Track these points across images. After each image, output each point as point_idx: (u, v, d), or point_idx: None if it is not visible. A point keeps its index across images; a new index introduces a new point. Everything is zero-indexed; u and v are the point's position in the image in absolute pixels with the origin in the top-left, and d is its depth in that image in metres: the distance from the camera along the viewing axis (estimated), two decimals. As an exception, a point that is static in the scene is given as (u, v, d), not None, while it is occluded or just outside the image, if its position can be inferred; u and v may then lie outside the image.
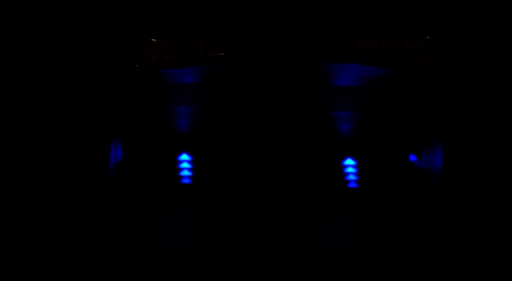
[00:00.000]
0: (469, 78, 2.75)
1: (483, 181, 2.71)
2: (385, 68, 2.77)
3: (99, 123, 2.72)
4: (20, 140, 2.69)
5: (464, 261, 2.62)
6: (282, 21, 2.74)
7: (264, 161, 3.03)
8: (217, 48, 2.74)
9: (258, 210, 2.92)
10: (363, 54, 2.74)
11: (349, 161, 3.02)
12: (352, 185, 3.00)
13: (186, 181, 3.01)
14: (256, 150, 3.04)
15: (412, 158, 3.03)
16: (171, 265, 2.59)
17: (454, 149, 2.74)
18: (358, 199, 2.98)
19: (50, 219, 2.66)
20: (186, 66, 2.77)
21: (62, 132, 2.70)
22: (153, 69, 2.76)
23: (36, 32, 2.71)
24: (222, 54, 2.74)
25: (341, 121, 3.07)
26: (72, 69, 2.72)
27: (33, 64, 2.71)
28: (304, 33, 2.74)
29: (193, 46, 2.74)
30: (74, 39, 2.72)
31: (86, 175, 2.70)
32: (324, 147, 3.05)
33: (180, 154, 3.02)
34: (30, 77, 2.71)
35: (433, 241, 2.72)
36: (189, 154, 3.03)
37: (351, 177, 3.01)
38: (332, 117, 3.06)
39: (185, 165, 3.02)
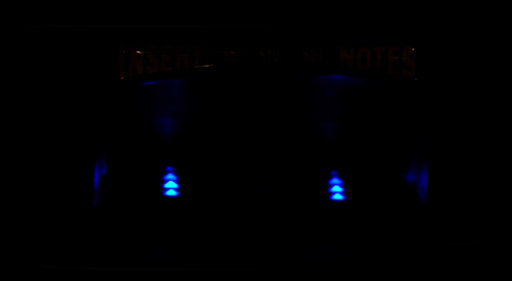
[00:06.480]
0: (454, 90, 2.76)
1: (469, 194, 2.72)
2: (369, 80, 2.78)
3: (84, 136, 2.72)
4: (3, 151, 2.69)
5: (449, 270, 2.62)
6: (265, 34, 2.74)
7: (249, 173, 3.03)
8: (202, 60, 2.74)
9: (242, 222, 2.93)
10: (347, 66, 2.74)
11: (333, 173, 3.03)
12: (337, 197, 3.01)
13: (171, 193, 3.01)
14: (241, 162, 3.04)
15: (398, 171, 3.03)
16: (155, 277, 2.60)
17: (439, 161, 2.74)
18: (343, 211, 2.98)
19: (35, 231, 2.66)
20: (171, 78, 2.77)
21: (46, 145, 2.71)
22: (138, 82, 2.76)
23: (19, 45, 2.71)
24: (207, 66, 2.75)
25: (326, 133, 3.07)
26: (56, 82, 2.72)
27: (17, 76, 2.72)
28: (288, 45, 2.74)
29: (178, 58, 2.74)
30: (57, 51, 2.72)
31: (71, 187, 2.70)
32: (308, 159, 3.05)
33: (166, 166, 3.03)
34: (14, 89, 2.72)
35: (419, 254, 2.72)
36: (173, 166, 3.03)
37: (336, 189, 3.01)
38: (317, 129, 3.06)
39: (170, 177, 3.03)
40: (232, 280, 2.60)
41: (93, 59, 2.73)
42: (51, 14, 2.73)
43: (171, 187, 3.02)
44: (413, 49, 2.76)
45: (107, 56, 2.73)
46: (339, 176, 3.03)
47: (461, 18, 2.76)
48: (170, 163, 3.03)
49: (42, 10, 2.73)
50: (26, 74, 2.72)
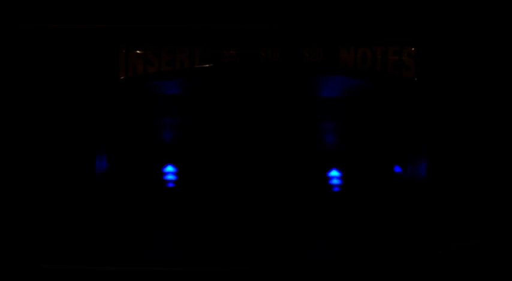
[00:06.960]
0: (453, 90, 2.76)
1: (468, 192, 2.72)
2: (369, 80, 2.78)
3: (85, 135, 2.73)
4: (3, 151, 2.69)
5: (449, 270, 2.63)
6: (265, 33, 2.74)
7: (249, 171, 3.04)
8: (202, 60, 2.75)
9: (242, 221, 2.93)
10: (347, 66, 2.74)
11: (334, 173, 3.03)
12: (337, 197, 3.01)
13: (171, 191, 3.02)
14: (241, 160, 3.05)
15: (397, 169, 3.03)
16: (155, 277, 2.60)
17: (439, 161, 2.74)
18: (343, 209, 2.99)
19: (35, 230, 2.66)
20: (171, 78, 2.78)
21: (47, 144, 2.71)
22: (138, 81, 2.77)
23: (19, 45, 2.71)
24: (207, 66, 2.75)
25: (326, 132, 3.07)
26: (56, 82, 2.73)
27: (17, 76, 2.72)
28: (288, 45, 2.74)
29: (178, 58, 2.75)
30: (58, 51, 2.72)
31: (71, 186, 2.71)
32: (308, 158, 3.05)
33: (165, 165, 3.03)
34: (15, 89, 2.72)
35: (418, 251, 2.73)
36: (174, 165, 3.04)
37: (336, 188, 3.02)
38: (317, 128, 3.07)
39: (170, 176, 3.03)
40: (232, 280, 2.60)
41: (93, 59, 2.73)
42: (51, 14, 2.73)
43: (171, 185, 3.02)
44: (413, 49, 2.76)
45: (107, 56, 2.73)
46: (339, 176, 3.03)
47: (461, 19, 2.76)
48: (170, 161, 3.04)
49: (42, 10, 2.73)
50: (27, 74, 2.72)
